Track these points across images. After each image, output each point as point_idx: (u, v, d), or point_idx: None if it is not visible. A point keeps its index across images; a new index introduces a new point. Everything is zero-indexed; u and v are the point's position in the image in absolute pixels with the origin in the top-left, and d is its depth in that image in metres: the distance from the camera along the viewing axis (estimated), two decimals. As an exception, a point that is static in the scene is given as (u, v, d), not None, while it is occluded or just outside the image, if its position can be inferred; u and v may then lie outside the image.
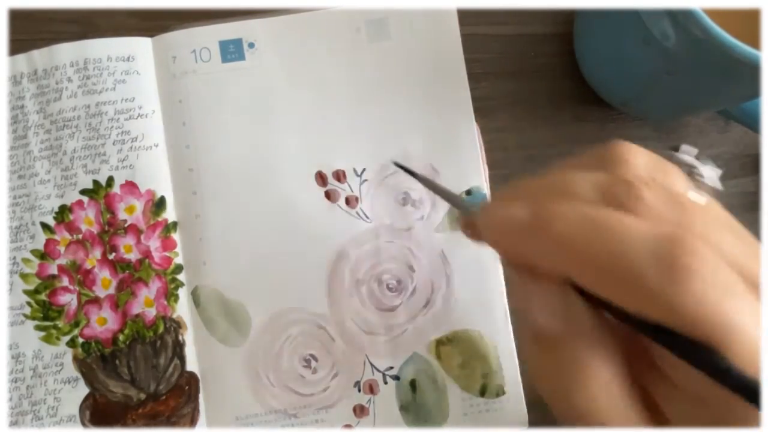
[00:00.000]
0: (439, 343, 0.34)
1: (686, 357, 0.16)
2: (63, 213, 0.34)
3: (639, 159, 0.18)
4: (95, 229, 0.34)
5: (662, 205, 0.17)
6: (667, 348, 0.17)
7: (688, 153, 0.20)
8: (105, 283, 0.34)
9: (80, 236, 0.34)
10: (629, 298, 0.16)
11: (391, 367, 0.34)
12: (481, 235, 0.19)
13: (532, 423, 0.34)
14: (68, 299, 0.34)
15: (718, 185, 0.19)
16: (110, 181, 0.34)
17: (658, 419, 0.18)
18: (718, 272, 0.16)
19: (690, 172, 0.19)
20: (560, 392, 0.18)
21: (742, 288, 0.16)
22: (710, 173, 0.20)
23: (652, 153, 0.19)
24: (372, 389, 0.34)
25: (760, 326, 0.16)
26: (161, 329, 0.33)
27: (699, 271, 0.15)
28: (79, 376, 0.33)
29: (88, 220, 0.34)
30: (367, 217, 0.35)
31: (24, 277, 0.34)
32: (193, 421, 0.33)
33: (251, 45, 0.35)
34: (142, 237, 0.34)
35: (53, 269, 0.34)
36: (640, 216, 0.17)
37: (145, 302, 0.34)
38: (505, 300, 0.34)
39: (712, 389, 0.16)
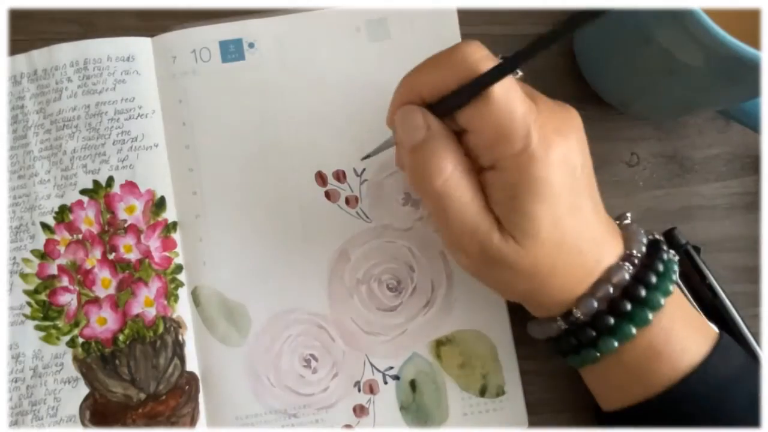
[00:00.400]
0: (439, 343, 0.34)
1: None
2: (63, 213, 0.34)
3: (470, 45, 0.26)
4: (95, 229, 0.34)
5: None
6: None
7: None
8: (105, 283, 0.34)
9: (80, 236, 0.34)
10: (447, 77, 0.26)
11: (391, 367, 0.34)
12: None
13: (532, 423, 0.34)
14: (68, 299, 0.34)
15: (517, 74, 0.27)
16: (110, 181, 0.34)
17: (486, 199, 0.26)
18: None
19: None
20: (425, 180, 0.26)
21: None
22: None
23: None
24: (372, 389, 0.34)
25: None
26: (161, 329, 0.34)
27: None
28: (79, 376, 0.33)
29: (88, 220, 0.34)
30: (367, 217, 0.35)
31: (24, 277, 0.34)
32: (193, 421, 0.33)
33: (251, 45, 0.35)
34: (142, 237, 0.34)
35: (53, 269, 0.34)
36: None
37: (145, 302, 0.34)
38: (505, 300, 0.34)
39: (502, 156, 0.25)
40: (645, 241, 0.29)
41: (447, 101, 0.26)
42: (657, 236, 0.30)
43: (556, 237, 0.26)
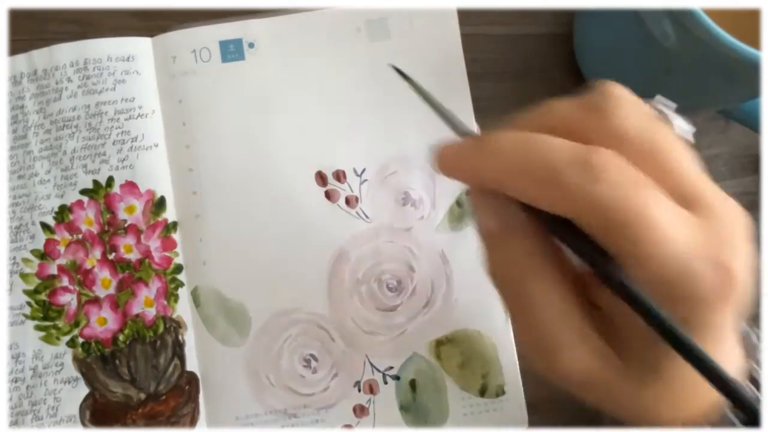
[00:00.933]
0: (439, 343, 0.34)
1: (592, 264, 0.18)
2: (63, 213, 0.34)
3: (618, 112, 0.20)
4: (95, 229, 0.34)
5: (632, 120, 0.19)
6: (577, 253, 0.19)
7: (663, 103, 0.21)
8: (105, 283, 0.34)
9: (80, 236, 0.34)
10: (552, 198, 0.18)
11: (391, 367, 0.34)
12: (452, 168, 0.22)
13: (532, 423, 0.34)
14: (68, 299, 0.34)
15: (690, 138, 0.21)
16: (110, 181, 0.34)
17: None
18: (628, 170, 0.17)
19: (663, 119, 0.21)
20: (505, 281, 0.20)
21: (655, 190, 0.17)
22: (683, 125, 0.21)
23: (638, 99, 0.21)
24: (372, 389, 0.34)
25: (677, 227, 0.17)
26: (161, 329, 0.34)
27: (610, 165, 0.17)
28: (79, 376, 0.33)
29: (88, 220, 0.34)
30: (367, 217, 0.35)
31: (24, 277, 0.34)
32: (193, 421, 0.33)
33: (251, 45, 0.35)
34: (142, 237, 0.34)
35: (53, 269, 0.34)
36: (607, 116, 0.19)
37: (145, 302, 0.34)
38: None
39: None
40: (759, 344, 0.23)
41: (571, 242, 0.19)
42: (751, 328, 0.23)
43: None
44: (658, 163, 0.18)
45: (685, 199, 0.18)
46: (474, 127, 0.35)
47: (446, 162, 0.22)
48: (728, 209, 0.19)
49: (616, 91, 0.20)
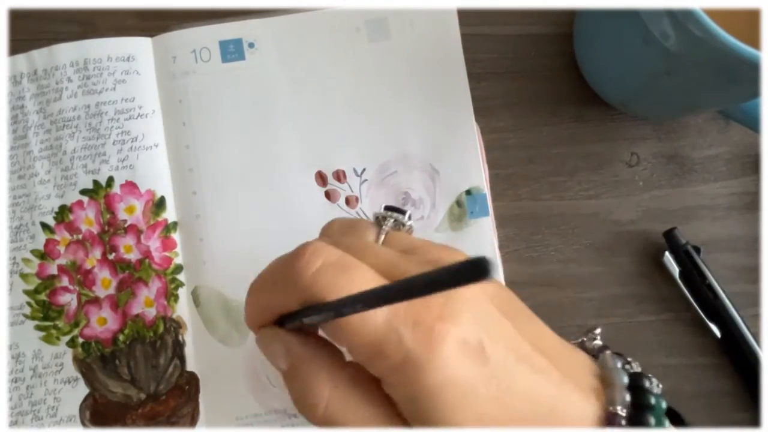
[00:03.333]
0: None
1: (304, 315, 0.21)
2: (63, 213, 0.34)
3: (332, 226, 0.25)
4: (95, 229, 0.34)
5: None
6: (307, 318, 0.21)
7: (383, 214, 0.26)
8: (105, 283, 0.34)
9: (80, 236, 0.34)
10: (283, 296, 0.21)
11: (391, 367, 0.34)
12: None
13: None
14: (68, 299, 0.34)
15: (412, 229, 0.26)
16: (110, 181, 0.34)
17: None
18: (333, 254, 0.21)
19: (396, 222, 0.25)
20: (307, 411, 0.21)
21: (360, 268, 0.21)
22: (403, 220, 0.26)
23: (345, 219, 0.26)
24: (372, 389, 0.34)
25: None
26: (161, 329, 0.33)
27: (318, 251, 0.21)
28: (79, 376, 0.33)
29: (88, 220, 0.34)
30: (367, 217, 0.35)
31: (24, 277, 0.34)
32: (193, 421, 0.33)
33: (251, 45, 0.35)
34: (142, 237, 0.34)
35: (53, 269, 0.34)
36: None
37: (145, 302, 0.34)
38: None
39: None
40: (626, 381, 0.22)
41: (297, 317, 0.21)
42: (633, 364, 0.23)
43: None
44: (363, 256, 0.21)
45: (390, 273, 0.21)
46: (474, 126, 0.35)
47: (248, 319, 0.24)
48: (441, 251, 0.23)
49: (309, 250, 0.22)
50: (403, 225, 0.25)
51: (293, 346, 0.22)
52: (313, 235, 0.35)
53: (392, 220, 0.25)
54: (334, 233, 0.25)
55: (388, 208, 0.25)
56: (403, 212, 0.25)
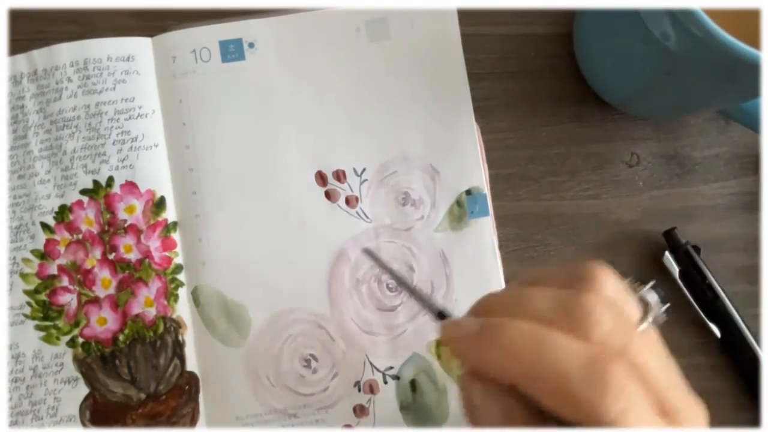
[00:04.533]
0: (440, 343, 0.34)
1: None
2: (63, 213, 0.34)
3: (607, 282, 0.21)
4: (95, 229, 0.34)
5: (610, 332, 0.20)
6: None
7: (649, 295, 0.23)
8: (105, 283, 0.34)
9: (80, 236, 0.34)
10: (561, 403, 0.19)
11: (391, 367, 0.34)
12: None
13: (532, 423, 0.34)
14: (68, 299, 0.34)
15: (662, 318, 0.23)
16: (110, 181, 0.34)
17: None
18: (637, 395, 0.19)
19: (645, 309, 0.22)
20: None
21: (653, 415, 0.19)
22: (660, 314, 0.22)
23: (619, 279, 0.22)
24: (372, 389, 0.34)
25: None
26: (161, 329, 0.33)
27: (619, 387, 0.18)
28: (79, 376, 0.33)
29: (88, 220, 0.34)
30: (367, 217, 0.35)
31: (24, 277, 0.34)
32: (193, 421, 0.33)
33: (251, 45, 0.35)
34: (142, 237, 0.34)
35: (53, 269, 0.34)
36: (588, 336, 0.19)
37: (145, 302, 0.34)
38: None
39: None
40: None
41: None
42: None
43: None
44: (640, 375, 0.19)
45: (662, 408, 0.20)
46: (474, 126, 0.35)
47: (451, 342, 0.22)
48: (694, 416, 0.22)
49: (600, 269, 0.21)
50: (659, 315, 0.22)
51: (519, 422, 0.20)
52: (313, 235, 0.35)
53: (655, 312, 0.22)
54: (608, 291, 0.21)
55: (657, 293, 0.22)
56: (665, 300, 0.22)
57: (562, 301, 0.20)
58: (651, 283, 0.23)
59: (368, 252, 0.30)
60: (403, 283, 0.27)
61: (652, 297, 0.22)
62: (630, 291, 0.22)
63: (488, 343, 0.20)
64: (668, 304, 0.23)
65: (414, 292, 0.26)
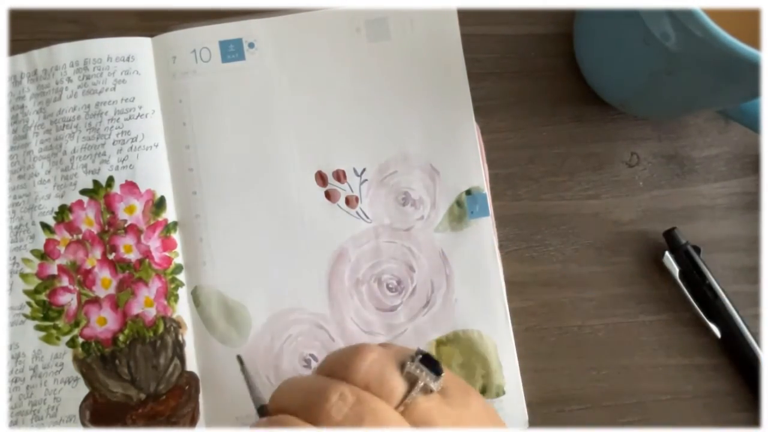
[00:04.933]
0: (439, 343, 0.34)
1: None
2: (63, 213, 0.34)
3: (361, 365, 0.24)
4: (95, 229, 0.34)
5: (340, 420, 0.23)
6: None
7: (417, 370, 0.25)
8: (105, 283, 0.34)
9: (80, 236, 0.34)
10: None
11: (391, 367, 0.34)
12: None
13: (532, 423, 0.34)
14: (68, 299, 0.34)
15: (437, 386, 0.25)
16: (110, 181, 0.34)
17: None
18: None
19: (412, 383, 0.24)
20: None
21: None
22: (432, 384, 0.24)
23: (379, 359, 0.25)
24: (372, 389, 0.34)
25: None
26: (161, 329, 0.33)
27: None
28: (79, 376, 0.33)
29: (88, 220, 0.34)
30: (367, 217, 0.35)
31: (24, 277, 0.34)
32: (193, 421, 0.33)
33: (251, 45, 0.35)
34: (142, 237, 0.34)
35: (53, 269, 0.34)
36: (321, 423, 0.23)
37: (145, 302, 0.34)
38: (505, 300, 0.34)
39: None
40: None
41: None
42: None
43: None
44: None
45: None
46: (474, 126, 0.35)
47: None
48: None
49: (358, 353, 0.25)
50: (431, 390, 0.24)
51: None
52: (313, 235, 0.35)
53: (421, 384, 0.24)
54: (359, 381, 0.24)
55: (423, 360, 0.24)
56: (438, 371, 0.24)
57: (311, 395, 0.24)
58: (419, 356, 0.24)
59: (240, 360, 0.33)
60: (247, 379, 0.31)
61: (420, 371, 0.24)
62: (391, 366, 0.24)
63: None
64: (442, 374, 0.24)
65: (249, 384, 0.30)
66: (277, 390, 0.26)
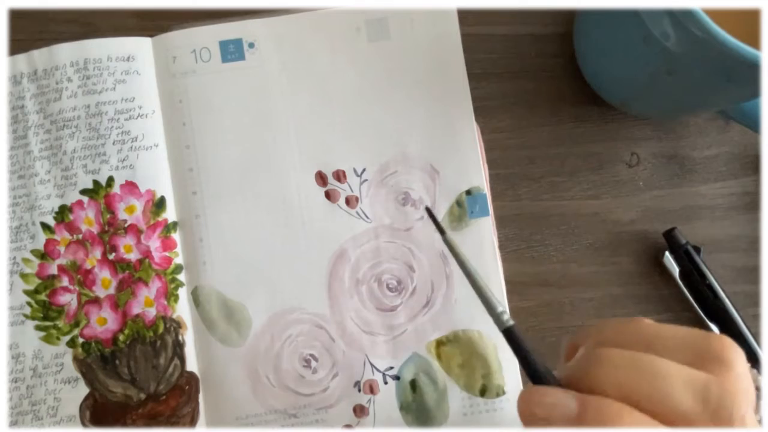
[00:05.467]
0: (439, 343, 0.34)
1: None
2: (63, 213, 0.34)
3: (740, 366, 0.19)
4: (95, 229, 0.34)
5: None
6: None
7: (758, 378, 0.22)
8: (105, 283, 0.34)
9: (80, 236, 0.34)
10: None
11: (391, 367, 0.34)
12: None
13: (532, 423, 0.34)
14: (68, 299, 0.34)
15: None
16: (110, 181, 0.34)
17: None
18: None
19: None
20: None
21: None
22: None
23: (746, 360, 0.20)
24: (372, 389, 0.34)
25: None
26: (161, 329, 0.33)
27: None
28: (79, 376, 0.33)
29: (88, 220, 0.34)
30: (367, 217, 0.35)
31: (24, 277, 0.34)
32: (193, 421, 0.33)
33: (251, 45, 0.35)
34: (142, 237, 0.34)
35: (53, 269, 0.34)
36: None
37: (145, 302, 0.34)
38: (505, 300, 0.34)
39: None
40: None
41: None
42: None
43: None
44: None
45: None
46: (474, 126, 0.35)
47: (529, 420, 0.20)
48: None
49: (737, 350, 0.20)
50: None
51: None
52: (313, 235, 0.35)
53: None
54: (747, 380, 0.20)
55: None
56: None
57: (705, 393, 0.18)
58: (758, 370, 0.22)
59: (428, 210, 0.29)
60: (473, 282, 0.25)
61: (759, 380, 0.22)
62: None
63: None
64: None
65: (480, 291, 0.24)
66: (605, 359, 0.20)
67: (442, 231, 0.26)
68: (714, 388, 0.18)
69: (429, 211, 0.28)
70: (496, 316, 0.23)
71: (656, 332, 0.20)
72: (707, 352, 0.19)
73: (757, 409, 0.20)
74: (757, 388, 0.21)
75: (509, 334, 0.23)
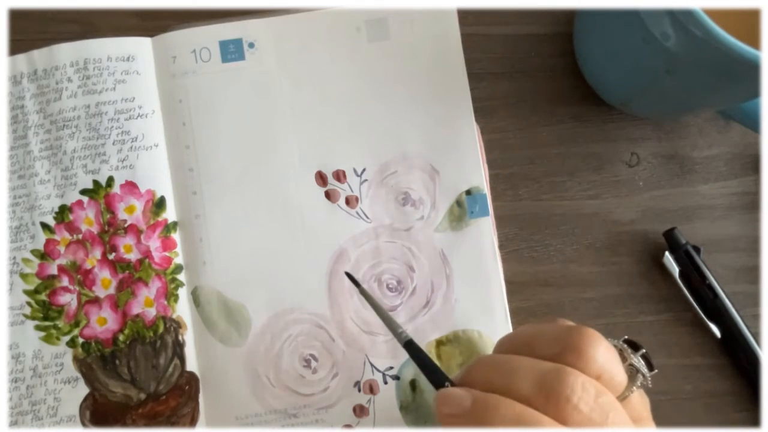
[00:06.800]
0: (439, 343, 0.34)
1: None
2: (63, 213, 0.34)
3: (591, 352, 0.22)
4: (95, 229, 0.34)
5: (588, 416, 0.21)
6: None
7: (638, 362, 0.24)
8: (105, 283, 0.34)
9: (80, 236, 0.34)
10: None
11: (391, 367, 0.34)
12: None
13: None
14: (68, 299, 0.34)
15: (648, 383, 0.24)
16: (110, 181, 0.34)
17: None
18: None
19: (633, 376, 0.23)
20: None
21: None
22: (642, 368, 0.24)
23: (610, 348, 0.23)
24: (372, 389, 0.34)
25: None
26: (161, 329, 0.33)
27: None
28: (79, 376, 0.33)
29: (88, 220, 0.34)
30: (367, 217, 0.35)
31: (24, 277, 0.34)
32: (193, 421, 0.33)
33: (251, 45, 0.35)
34: (142, 237, 0.34)
35: (53, 269, 0.34)
36: (567, 421, 0.20)
37: (145, 302, 0.34)
38: (505, 300, 0.34)
39: None
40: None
41: None
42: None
43: None
44: None
45: None
46: (474, 126, 0.35)
47: (444, 417, 0.23)
48: None
49: (592, 340, 0.22)
50: (646, 386, 0.23)
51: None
52: (313, 235, 0.35)
53: (640, 379, 0.23)
54: (594, 371, 0.22)
55: (642, 355, 0.23)
56: (652, 367, 0.23)
57: (545, 381, 0.21)
58: (642, 351, 0.24)
59: (350, 276, 0.31)
60: (381, 314, 0.28)
61: (641, 364, 0.23)
62: (618, 358, 0.23)
63: (478, 421, 0.22)
64: (655, 371, 0.24)
65: (389, 324, 0.28)
66: (477, 363, 0.24)
67: (357, 284, 0.30)
68: (550, 375, 0.21)
69: (348, 274, 0.31)
70: (397, 334, 0.27)
71: (537, 331, 0.24)
72: (567, 344, 0.22)
73: (630, 386, 0.23)
74: (638, 370, 0.23)
75: (410, 346, 0.27)
